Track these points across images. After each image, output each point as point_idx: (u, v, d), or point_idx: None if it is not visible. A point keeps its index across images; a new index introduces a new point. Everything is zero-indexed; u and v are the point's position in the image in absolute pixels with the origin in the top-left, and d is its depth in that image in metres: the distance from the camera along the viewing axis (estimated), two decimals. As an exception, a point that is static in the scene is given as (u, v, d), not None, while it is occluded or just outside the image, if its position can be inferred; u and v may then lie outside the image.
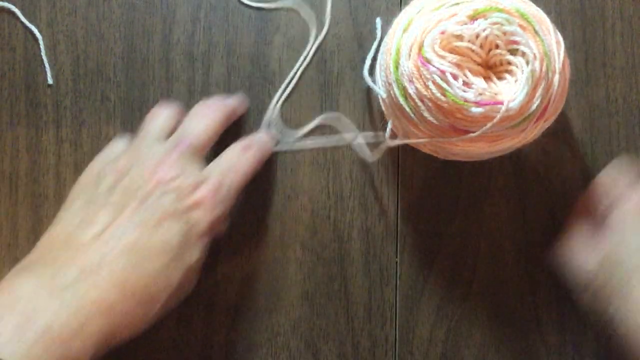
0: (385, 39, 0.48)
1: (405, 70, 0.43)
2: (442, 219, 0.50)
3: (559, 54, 0.43)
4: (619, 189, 0.45)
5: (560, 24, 0.51)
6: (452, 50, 0.43)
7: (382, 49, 0.48)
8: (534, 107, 0.42)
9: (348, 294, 0.50)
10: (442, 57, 0.42)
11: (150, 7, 0.52)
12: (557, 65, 0.43)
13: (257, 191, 0.50)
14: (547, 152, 0.50)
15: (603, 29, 0.51)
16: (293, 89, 0.51)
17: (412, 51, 0.43)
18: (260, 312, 0.50)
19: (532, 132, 0.45)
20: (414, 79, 0.43)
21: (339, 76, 0.51)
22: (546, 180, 0.50)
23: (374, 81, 0.49)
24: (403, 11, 0.46)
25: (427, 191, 0.50)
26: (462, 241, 0.50)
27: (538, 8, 0.45)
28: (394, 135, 0.49)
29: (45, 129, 0.51)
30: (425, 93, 0.42)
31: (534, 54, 0.42)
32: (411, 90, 0.43)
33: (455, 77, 0.42)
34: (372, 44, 0.51)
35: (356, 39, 0.51)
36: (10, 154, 0.51)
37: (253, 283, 0.50)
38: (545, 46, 0.43)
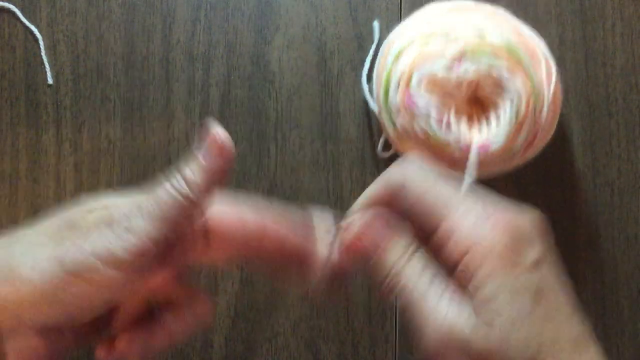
0: (378, 61, 0.48)
1: (393, 102, 0.44)
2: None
3: (549, 85, 0.44)
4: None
5: (560, 24, 0.51)
6: (439, 89, 0.43)
7: (376, 64, 0.48)
8: (518, 145, 0.43)
9: (348, 294, 0.50)
10: (428, 98, 0.43)
11: (150, 7, 0.51)
12: (547, 99, 0.44)
13: (257, 191, 0.50)
14: (547, 152, 0.50)
15: (603, 29, 0.51)
16: (293, 89, 0.51)
17: (400, 84, 0.44)
18: (260, 312, 0.50)
19: (522, 160, 0.46)
20: (400, 113, 0.44)
21: (339, 76, 0.51)
22: (546, 180, 0.50)
23: (371, 84, 0.49)
24: (395, 39, 0.46)
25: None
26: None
27: (532, 36, 0.45)
28: (387, 146, 0.49)
29: (45, 129, 0.51)
30: (410, 129, 0.44)
31: (520, 95, 0.42)
32: (398, 123, 0.44)
33: (439, 119, 0.43)
34: (372, 44, 0.51)
35: (356, 39, 0.51)
36: (10, 154, 0.51)
37: (253, 283, 0.50)
38: (533, 83, 0.43)
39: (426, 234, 0.29)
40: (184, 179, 0.29)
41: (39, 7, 0.51)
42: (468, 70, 0.42)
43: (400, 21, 0.51)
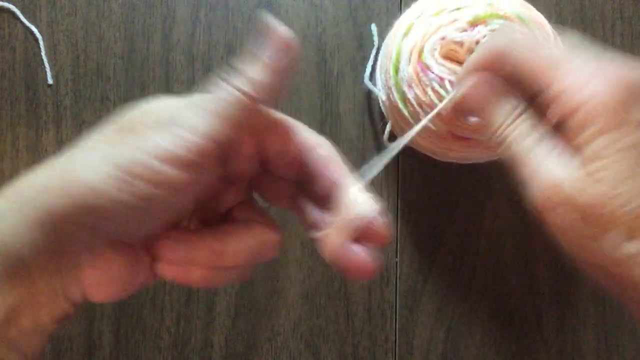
0: (386, 42, 0.48)
1: (404, 75, 0.44)
2: (442, 219, 0.50)
3: None
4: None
5: (560, 24, 0.51)
6: (452, 57, 0.43)
7: (382, 51, 0.48)
8: None
9: (348, 294, 0.50)
10: (442, 64, 0.42)
11: (150, 7, 0.51)
12: None
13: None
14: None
15: (603, 29, 0.51)
16: (293, 89, 0.51)
17: (412, 56, 0.43)
18: (260, 312, 0.50)
19: None
20: (413, 85, 0.43)
21: (339, 76, 0.51)
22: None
23: (374, 82, 0.49)
24: (403, 15, 0.46)
25: (427, 191, 0.50)
26: (462, 241, 0.50)
27: (539, 13, 0.45)
28: (392, 137, 0.49)
29: (45, 129, 0.51)
30: (424, 99, 0.43)
31: None
32: (410, 95, 0.44)
33: (453, 85, 0.42)
34: (372, 44, 0.51)
35: (356, 39, 0.51)
36: (10, 154, 0.51)
37: (253, 283, 0.50)
38: None
39: (532, 97, 0.29)
40: (246, 76, 0.27)
41: (39, 7, 0.51)
42: (482, 32, 0.42)
43: (400, 21, 0.51)
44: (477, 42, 0.43)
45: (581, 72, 0.27)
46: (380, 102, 0.48)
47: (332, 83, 0.51)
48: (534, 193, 0.28)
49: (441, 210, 0.51)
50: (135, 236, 0.28)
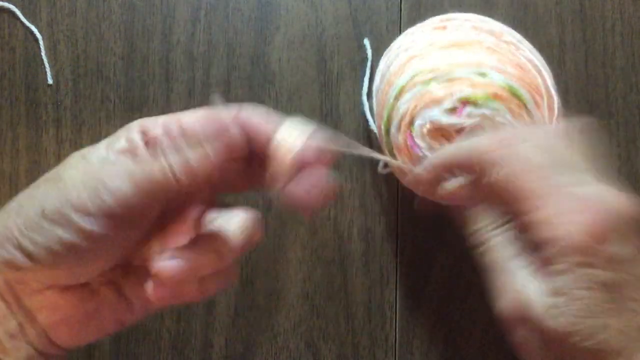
0: (378, 92, 0.47)
1: (395, 140, 0.44)
2: (443, 218, 0.50)
3: (551, 120, 0.44)
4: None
5: (560, 24, 0.51)
6: (441, 135, 0.43)
7: (375, 91, 0.47)
8: None
9: (348, 294, 0.50)
10: (429, 145, 0.43)
11: (150, 7, 0.52)
12: None
13: (257, 191, 0.50)
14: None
15: (603, 29, 0.51)
16: (293, 89, 0.51)
17: (402, 126, 0.44)
18: (260, 312, 0.50)
19: None
20: (402, 152, 0.44)
21: (339, 76, 0.51)
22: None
23: (371, 103, 0.49)
24: (396, 74, 0.45)
25: (427, 191, 0.50)
26: (462, 241, 0.50)
27: (536, 63, 0.44)
28: (387, 164, 0.49)
29: (45, 129, 0.51)
30: (411, 167, 0.43)
31: None
32: (399, 159, 0.44)
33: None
34: (372, 45, 0.51)
35: (356, 39, 0.51)
36: (10, 154, 0.51)
37: (253, 283, 0.50)
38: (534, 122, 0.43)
39: (509, 212, 0.30)
40: (184, 157, 0.28)
41: (39, 7, 0.51)
42: (471, 115, 0.42)
43: (400, 21, 0.51)
44: (464, 127, 0.43)
45: (559, 204, 0.28)
46: (375, 132, 0.48)
47: (332, 83, 0.51)
48: (503, 304, 0.29)
49: (441, 209, 0.51)
50: (74, 279, 0.29)
